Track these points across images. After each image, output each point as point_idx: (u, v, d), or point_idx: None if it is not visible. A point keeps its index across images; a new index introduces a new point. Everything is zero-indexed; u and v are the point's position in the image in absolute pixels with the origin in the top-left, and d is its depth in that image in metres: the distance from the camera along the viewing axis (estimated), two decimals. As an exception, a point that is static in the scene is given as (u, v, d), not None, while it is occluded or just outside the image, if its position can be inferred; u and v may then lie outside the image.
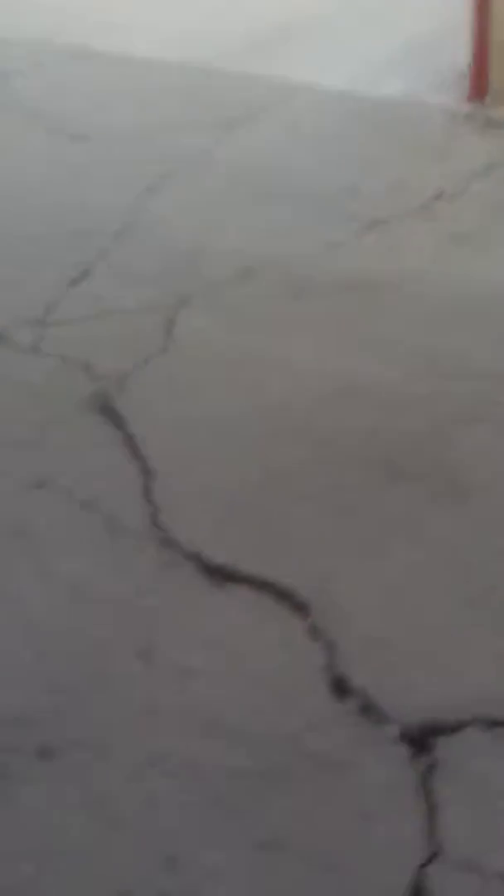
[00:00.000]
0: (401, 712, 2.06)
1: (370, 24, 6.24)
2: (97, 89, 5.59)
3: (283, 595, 2.37)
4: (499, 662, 2.21)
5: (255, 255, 3.90)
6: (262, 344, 3.41)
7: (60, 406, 3.13)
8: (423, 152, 4.78)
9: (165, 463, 2.85)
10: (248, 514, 2.67)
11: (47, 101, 5.41)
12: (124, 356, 3.32)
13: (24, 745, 2.00)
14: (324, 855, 1.81)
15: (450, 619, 2.33)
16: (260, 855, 1.81)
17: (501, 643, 2.26)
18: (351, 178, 4.54)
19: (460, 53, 5.20)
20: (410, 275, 3.82)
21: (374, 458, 2.88)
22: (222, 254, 3.93)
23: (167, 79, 5.67)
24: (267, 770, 1.96)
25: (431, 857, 1.79)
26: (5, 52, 6.03)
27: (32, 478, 2.81)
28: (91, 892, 1.76)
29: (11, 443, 2.97)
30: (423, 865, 1.78)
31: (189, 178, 4.56)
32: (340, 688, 2.13)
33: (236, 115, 5.16)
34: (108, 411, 3.09)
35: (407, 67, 5.67)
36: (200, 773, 1.95)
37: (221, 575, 2.43)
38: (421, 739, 2.01)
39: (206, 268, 3.86)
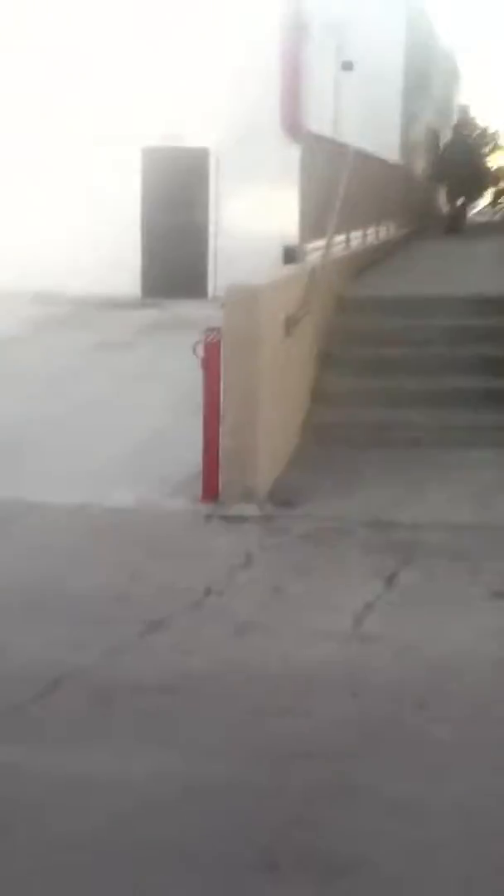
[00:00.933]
0: None
1: (92, 437, 6.73)
2: None
3: None
4: None
5: (42, 670, 3.79)
6: (77, 759, 3.26)
7: None
8: (176, 554, 5.06)
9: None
10: None
11: None
12: None
13: None
14: None
15: None
16: None
17: None
18: (113, 585, 4.65)
19: (186, 458, 5.67)
20: (206, 669, 3.88)
21: (249, 852, 2.73)
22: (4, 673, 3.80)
23: None
24: None
25: None
26: None
27: None
28: None
29: None
30: None
31: None
32: None
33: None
34: None
35: (137, 475, 6.11)
36: None
37: None
38: None
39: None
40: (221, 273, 14.05)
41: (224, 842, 2.82)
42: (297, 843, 2.83)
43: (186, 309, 12.06)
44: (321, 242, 7.56)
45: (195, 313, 12.17)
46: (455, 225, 16.90)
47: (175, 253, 14.26)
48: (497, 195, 25.44)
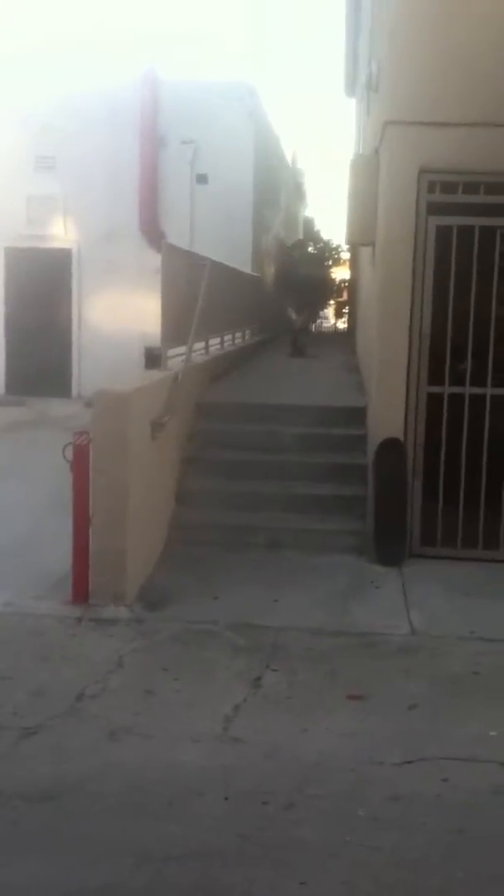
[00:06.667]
0: None
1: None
2: None
3: None
4: None
5: None
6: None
7: None
8: (49, 658, 5.07)
9: None
10: None
11: None
12: None
13: None
14: None
15: None
16: None
17: None
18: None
19: (54, 560, 5.63)
20: (83, 775, 3.94)
21: None
22: None
23: None
24: None
25: None
26: None
27: None
28: None
29: None
30: None
31: None
32: None
33: None
34: None
35: (4, 577, 6.09)
36: None
37: None
38: None
39: None
40: (85, 371, 14.25)
41: None
42: None
43: (51, 407, 12.09)
44: (182, 349, 7.86)
45: (60, 411, 12.29)
46: (298, 346, 15.28)
47: (39, 351, 14.40)
48: (339, 307, 26.67)
